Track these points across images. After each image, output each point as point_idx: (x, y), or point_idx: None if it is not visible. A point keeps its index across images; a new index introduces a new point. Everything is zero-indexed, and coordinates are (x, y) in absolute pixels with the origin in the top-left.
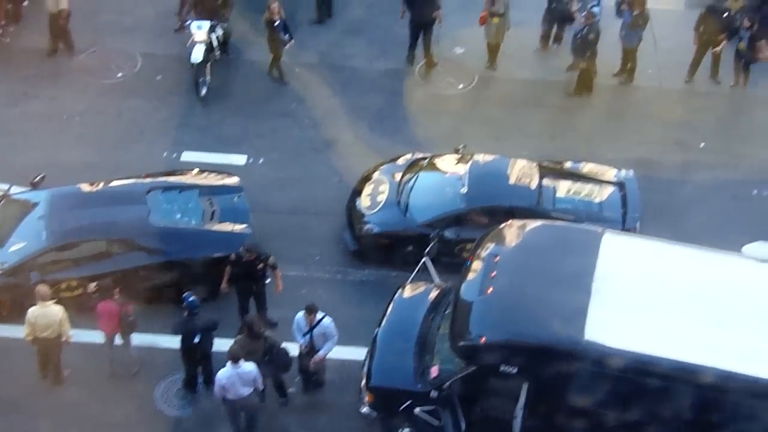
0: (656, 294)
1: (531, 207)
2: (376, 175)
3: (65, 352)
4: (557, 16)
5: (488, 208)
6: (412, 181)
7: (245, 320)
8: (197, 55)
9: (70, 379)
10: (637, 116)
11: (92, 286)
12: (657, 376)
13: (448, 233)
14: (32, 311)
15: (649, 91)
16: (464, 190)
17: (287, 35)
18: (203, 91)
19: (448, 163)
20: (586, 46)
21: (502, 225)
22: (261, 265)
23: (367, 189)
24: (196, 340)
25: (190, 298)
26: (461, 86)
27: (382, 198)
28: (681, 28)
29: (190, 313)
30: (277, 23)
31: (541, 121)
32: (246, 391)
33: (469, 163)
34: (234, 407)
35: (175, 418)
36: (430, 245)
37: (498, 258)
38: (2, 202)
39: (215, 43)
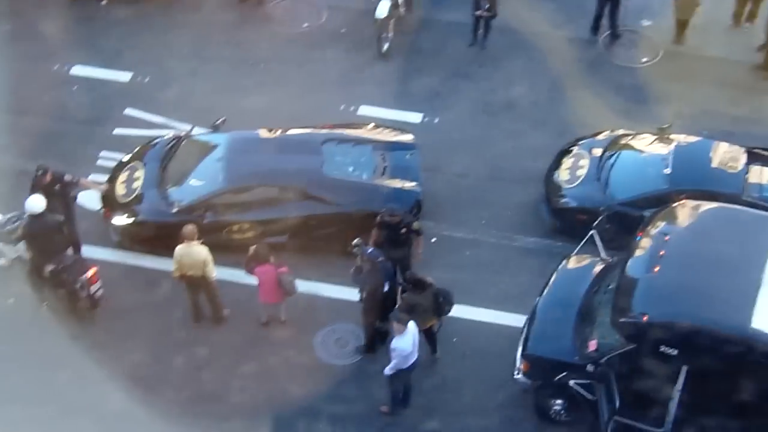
0: None
1: (736, 193)
2: (575, 149)
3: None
4: None
5: (691, 191)
6: (614, 157)
7: (407, 278)
8: (382, 10)
9: (230, 320)
10: None
11: (251, 249)
12: None
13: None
14: (178, 249)
15: None
16: (668, 171)
17: (487, 5)
18: (385, 47)
19: (651, 142)
20: None
21: (675, 203)
22: (404, 230)
23: (567, 162)
24: (386, 288)
25: (369, 250)
26: (644, 60)
27: (581, 172)
28: None
29: (373, 265)
30: None
31: (725, 102)
32: (416, 355)
33: (674, 144)
34: (406, 374)
35: (334, 366)
36: (599, 218)
37: (668, 237)
38: (184, 141)
39: (401, 0)
